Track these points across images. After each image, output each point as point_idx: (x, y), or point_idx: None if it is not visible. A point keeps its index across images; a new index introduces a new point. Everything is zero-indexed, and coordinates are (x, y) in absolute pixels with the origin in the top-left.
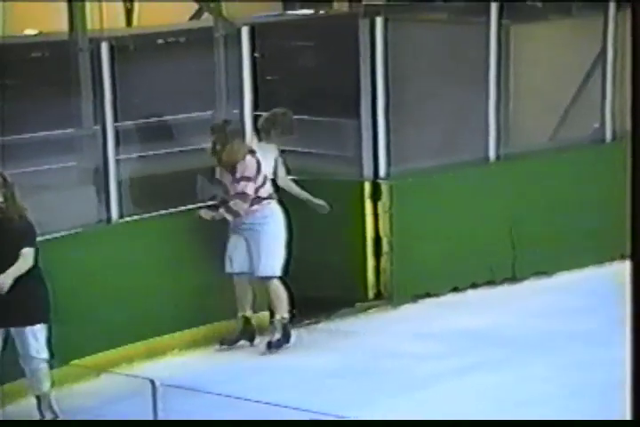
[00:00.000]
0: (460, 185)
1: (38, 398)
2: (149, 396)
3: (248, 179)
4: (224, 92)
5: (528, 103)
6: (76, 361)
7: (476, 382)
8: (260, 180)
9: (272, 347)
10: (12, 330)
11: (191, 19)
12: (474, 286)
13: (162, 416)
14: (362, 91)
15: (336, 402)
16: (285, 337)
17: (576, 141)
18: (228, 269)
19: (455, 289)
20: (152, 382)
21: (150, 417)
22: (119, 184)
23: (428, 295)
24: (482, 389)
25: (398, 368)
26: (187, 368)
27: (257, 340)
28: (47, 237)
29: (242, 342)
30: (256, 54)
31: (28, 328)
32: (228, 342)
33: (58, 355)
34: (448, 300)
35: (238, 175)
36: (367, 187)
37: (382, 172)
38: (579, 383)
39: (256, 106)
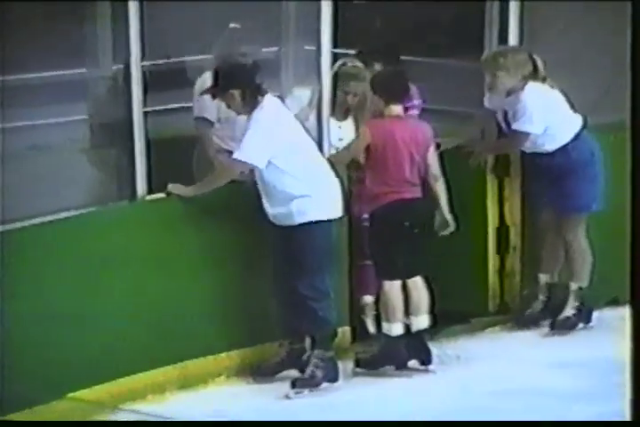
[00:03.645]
0: (620, 156)
1: None
2: None
3: None
4: (293, 20)
5: None
6: (79, 393)
7: None
8: None
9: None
10: None
11: None
12: None
13: None
14: (487, 22)
15: None
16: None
17: None
18: None
19: (614, 302)
20: None
21: None
22: (147, 146)
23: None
24: None
25: (527, 409)
26: (236, 402)
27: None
28: (45, 218)
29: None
30: None
31: None
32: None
33: (53, 383)
34: (603, 316)
35: None
36: (490, 157)
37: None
38: None
39: (335, 41)
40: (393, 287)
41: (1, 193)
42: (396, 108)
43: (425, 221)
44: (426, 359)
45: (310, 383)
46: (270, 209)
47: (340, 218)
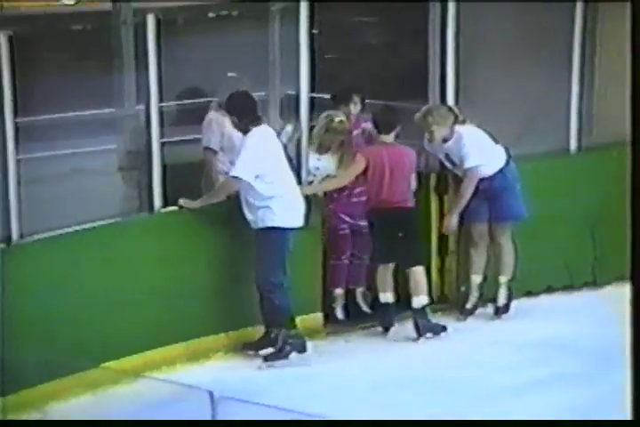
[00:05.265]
0: (537, 179)
1: None
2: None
3: None
4: (278, 71)
5: (614, 90)
6: (110, 363)
7: (554, 397)
8: None
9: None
10: None
11: None
12: (549, 290)
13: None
14: (430, 73)
15: (395, 417)
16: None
17: None
18: None
19: (529, 293)
20: (210, 393)
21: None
22: (164, 169)
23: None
24: (561, 404)
25: (466, 381)
26: (232, 373)
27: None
28: (84, 226)
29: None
30: (314, 30)
31: None
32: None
33: (90, 355)
34: (521, 305)
35: None
36: (433, 179)
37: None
38: None
39: (313, 87)
40: (384, 269)
41: (20, 209)
42: (386, 137)
43: (405, 224)
44: (420, 331)
45: (280, 356)
46: (246, 215)
47: (301, 228)
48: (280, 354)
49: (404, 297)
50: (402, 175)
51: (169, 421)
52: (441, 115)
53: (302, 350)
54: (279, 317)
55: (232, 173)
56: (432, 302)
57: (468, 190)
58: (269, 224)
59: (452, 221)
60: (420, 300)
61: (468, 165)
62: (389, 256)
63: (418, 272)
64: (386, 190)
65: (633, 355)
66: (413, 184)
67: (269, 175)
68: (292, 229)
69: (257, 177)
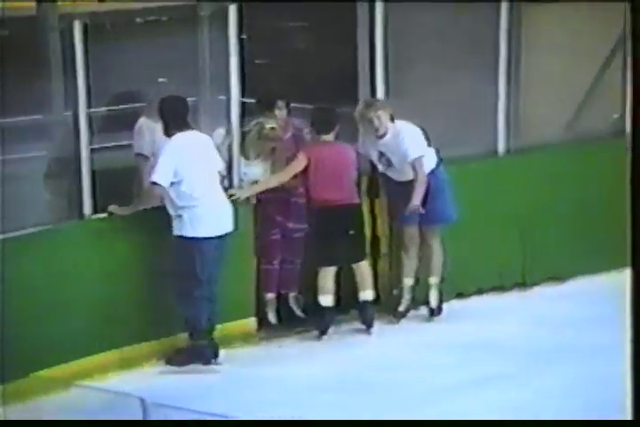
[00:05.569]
0: (466, 181)
1: None
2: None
3: None
4: (208, 76)
5: (541, 92)
6: (40, 372)
7: (487, 398)
8: None
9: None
10: None
11: None
12: (479, 291)
13: None
14: (360, 76)
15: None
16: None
17: (594, 133)
18: None
19: (460, 295)
20: (142, 400)
21: None
22: (93, 176)
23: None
24: (493, 404)
25: (400, 382)
26: (165, 380)
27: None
28: (13, 234)
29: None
30: (244, 35)
31: None
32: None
33: (20, 365)
34: (452, 307)
35: None
36: (364, 182)
37: (381, 166)
38: (595, 399)
39: (243, 92)
40: (327, 272)
41: None
42: (326, 137)
43: (353, 221)
44: (369, 323)
45: (179, 363)
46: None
47: (231, 233)
48: (181, 360)
49: (343, 298)
50: (346, 173)
51: (173, 421)
52: (382, 104)
53: (206, 362)
54: (187, 325)
55: (150, 179)
56: (378, 295)
57: (422, 178)
58: (180, 233)
59: (417, 204)
60: (366, 294)
61: (412, 156)
62: (334, 259)
63: (363, 267)
64: (332, 189)
65: (633, 354)
66: (355, 179)
67: (185, 183)
68: (206, 238)
69: (172, 184)
